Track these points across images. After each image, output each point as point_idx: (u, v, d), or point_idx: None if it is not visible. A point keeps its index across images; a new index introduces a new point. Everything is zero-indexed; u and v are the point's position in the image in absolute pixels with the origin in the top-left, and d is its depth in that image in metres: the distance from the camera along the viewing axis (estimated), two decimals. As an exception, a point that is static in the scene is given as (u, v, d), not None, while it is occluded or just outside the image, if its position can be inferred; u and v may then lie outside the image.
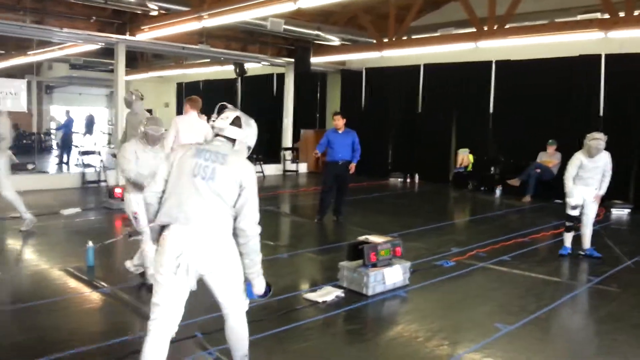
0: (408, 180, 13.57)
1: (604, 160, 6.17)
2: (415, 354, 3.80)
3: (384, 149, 14.30)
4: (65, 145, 15.46)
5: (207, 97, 18.55)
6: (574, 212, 6.27)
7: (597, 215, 8.92)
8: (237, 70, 14.98)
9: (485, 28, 10.07)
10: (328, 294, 4.79)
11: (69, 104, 20.83)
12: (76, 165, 12.04)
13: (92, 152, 12.44)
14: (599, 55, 10.46)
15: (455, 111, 13.05)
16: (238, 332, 3.00)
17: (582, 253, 6.38)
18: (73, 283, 5.00)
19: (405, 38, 11.83)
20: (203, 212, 2.77)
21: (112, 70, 17.80)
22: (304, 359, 3.65)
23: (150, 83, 20.58)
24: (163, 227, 2.85)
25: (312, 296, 4.75)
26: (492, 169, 12.11)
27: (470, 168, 12.42)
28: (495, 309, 4.75)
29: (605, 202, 9.52)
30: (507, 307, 4.79)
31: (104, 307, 4.57)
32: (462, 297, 5.08)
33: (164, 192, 2.90)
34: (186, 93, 19.83)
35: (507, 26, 9.96)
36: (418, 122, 13.62)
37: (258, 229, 2.88)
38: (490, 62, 12.17)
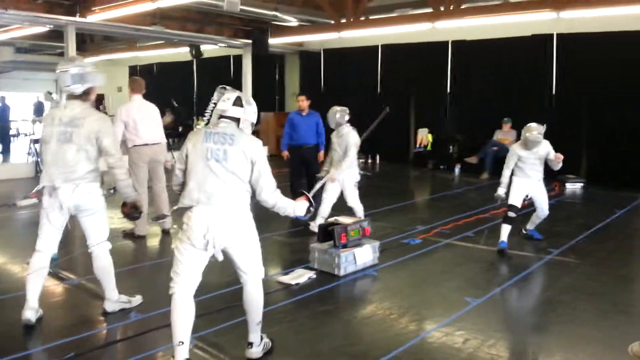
0: (369, 160, 13.69)
1: (545, 150, 5.81)
2: (389, 330, 3.89)
3: (344, 131, 14.29)
4: (1, 134, 14.78)
5: (162, 80, 18.35)
6: (514, 202, 5.92)
7: (553, 189, 9.37)
8: (193, 52, 14.65)
9: (442, 8, 10.20)
10: (300, 276, 4.83)
11: (14, 89, 19.96)
12: (28, 154, 11.55)
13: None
14: (551, 35, 10.75)
15: (413, 91, 13.19)
16: (255, 296, 3.25)
17: (524, 232, 6.33)
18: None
19: (363, 19, 11.84)
20: (222, 191, 3.02)
21: (60, 54, 17.16)
22: (281, 341, 3.67)
23: (101, 66, 19.82)
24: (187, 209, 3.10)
25: (284, 279, 4.78)
26: (451, 147, 12.35)
27: (429, 147, 12.64)
28: (463, 283, 4.90)
29: (559, 177, 9.93)
30: (474, 281, 4.95)
31: (70, 300, 4.47)
32: (431, 274, 5.21)
33: (183, 183, 3.17)
34: (140, 76, 19.30)
35: (463, 6, 10.12)
36: (377, 103, 13.68)
37: (277, 195, 3.17)
38: (447, 42, 12.32)
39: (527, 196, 6.06)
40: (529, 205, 6.35)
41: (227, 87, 3.22)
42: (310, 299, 4.47)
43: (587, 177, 10.35)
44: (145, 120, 5.94)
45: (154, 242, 6.23)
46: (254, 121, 3.22)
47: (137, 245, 6.00)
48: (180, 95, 16.65)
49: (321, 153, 7.78)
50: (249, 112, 3.16)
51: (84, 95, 3.78)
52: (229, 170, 3.01)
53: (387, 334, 3.83)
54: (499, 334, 3.87)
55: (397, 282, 4.99)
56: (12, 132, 17.33)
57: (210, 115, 3.24)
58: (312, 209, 3.40)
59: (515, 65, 11.25)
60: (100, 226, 3.91)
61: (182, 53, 15.64)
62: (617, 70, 9.99)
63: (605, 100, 10.21)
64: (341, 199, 6.42)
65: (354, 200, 6.36)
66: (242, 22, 13.36)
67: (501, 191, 5.95)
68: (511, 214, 5.87)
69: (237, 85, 14.97)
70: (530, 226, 6.33)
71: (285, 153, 7.79)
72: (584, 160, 10.65)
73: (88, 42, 17.23)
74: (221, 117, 3.14)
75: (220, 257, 3.11)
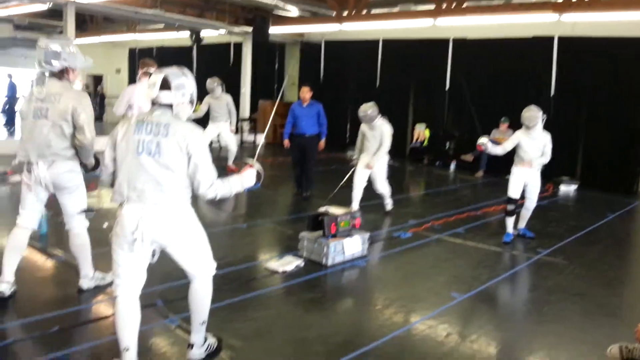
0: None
1: (544, 140, 5.96)
2: (374, 321, 3.90)
3: (342, 123, 14.31)
4: (11, 112, 14.70)
5: (161, 65, 18.09)
6: (512, 194, 6.04)
7: (546, 190, 9.39)
8: (193, 38, 14.58)
9: (444, 6, 10.17)
10: (288, 263, 4.82)
11: (12, 66, 19.81)
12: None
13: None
14: (552, 38, 10.73)
15: (412, 87, 13.18)
16: (201, 295, 3.00)
17: (516, 232, 6.30)
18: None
19: (364, 12, 11.80)
20: (154, 188, 2.73)
21: (59, 33, 17.05)
22: (264, 326, 3.68)
23: (101, 48, 19.73)
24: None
25: (273, 265, 4.78)
26: (447, 144, 12.35)
27: (426, 143, 12.63)
28: (450, 279, 4.91)
29: (554, 178, 9.96)
30: (461, 277, 4.95)
31: (58, 275, 4.46)
32: (419, 268, 5.21)
33: (114, 172, 2.89)
34: (139, 59, 19.18)
35: (464, 5, 10.10)
36: (376, 97, 13.58)
37: (216, 186, 2.82)
38: (448, 39, 12.29)
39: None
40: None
41: (151, 70, 2.84)
42: (297, 286, 4.47)
43: (582, 179, 10.38)
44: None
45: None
46: (194, 97, 2.85)
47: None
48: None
49: (322, 142, 7.99)
50: (183, 92, 2.77)
51: (60, 74, 3.68)
52: (162, 164, 2.71)
53: (372, 325, 3.84)
54: (482, 330, 3.87)
55: (385, 274, 5.00)
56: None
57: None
58: (261, 175, 3.08)
59: (515, 66, 11.22)
60: (79, 204, 3.86)
61: (182, 38, 15.54)
62: (615, 75, 9.99)
63: (603, 105, 10.22)
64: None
65: (382, 185, 7.14)
66: (243, 9, 13.28)
67: (489, 144, 6.04)
68: (510, 207, 6.06)
69: (237, 72, 14.98)
70: (522, 224, 6.35)
71: (287, 142, 7.95)
72: (579, 162, 10.69)
73: (88, 23, 17.10)
74: (154, 104, 2.80)
75: (152, 257, 2.86)
